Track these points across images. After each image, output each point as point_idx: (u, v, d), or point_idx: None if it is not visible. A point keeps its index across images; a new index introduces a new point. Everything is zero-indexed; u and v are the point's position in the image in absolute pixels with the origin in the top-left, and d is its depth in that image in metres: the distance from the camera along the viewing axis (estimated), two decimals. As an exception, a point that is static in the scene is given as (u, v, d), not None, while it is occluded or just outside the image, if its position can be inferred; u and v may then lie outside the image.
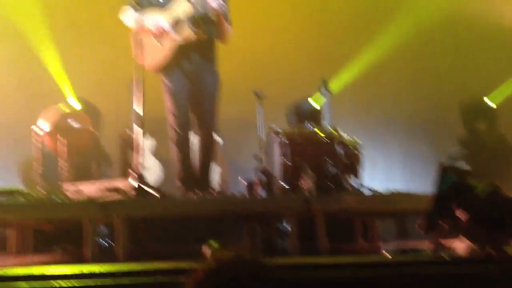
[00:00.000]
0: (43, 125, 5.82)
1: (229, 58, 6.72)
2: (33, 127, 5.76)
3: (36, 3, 6.72)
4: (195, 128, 4.77)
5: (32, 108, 6.39)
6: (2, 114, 6.72)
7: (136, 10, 4.36)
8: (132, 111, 5.35)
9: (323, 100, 5.72)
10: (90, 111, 6.36)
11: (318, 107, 6.46)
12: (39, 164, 5.73)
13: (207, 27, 4.54)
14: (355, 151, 5.16)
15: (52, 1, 6.84)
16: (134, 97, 4.38)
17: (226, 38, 4.68)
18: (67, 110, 5.97)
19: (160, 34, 4.47)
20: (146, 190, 4.06)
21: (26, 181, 6.20)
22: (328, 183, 4.64)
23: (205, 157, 4.75)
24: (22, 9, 6.73)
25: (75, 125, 5.87)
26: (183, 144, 4.66)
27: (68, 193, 4.32)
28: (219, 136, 5.94)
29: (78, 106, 6.44)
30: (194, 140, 4.78)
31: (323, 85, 5.74)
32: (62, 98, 6.55)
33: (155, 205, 4.02)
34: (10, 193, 4.30)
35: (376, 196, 4.51)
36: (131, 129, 5.99)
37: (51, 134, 5.79)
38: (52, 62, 6.72)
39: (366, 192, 4.64)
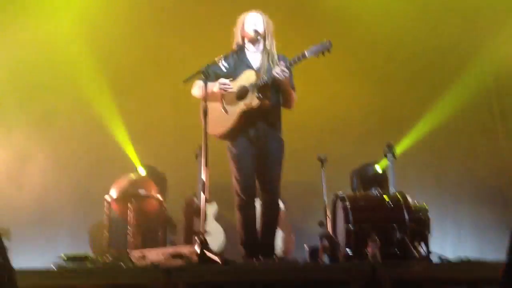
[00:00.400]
0: (112, 193, 6.01)
1: (293, 123, 6.85)
2: (106, 196, 5.96)
3: (101, 73, 7.09)
4: (259, 194, 4.78)
5: (102, 176, 6.63)
6: (74, 182, 6.99)
7: (205, 81, 4.48)
8: (197, 177, 5.48)
9: (388, 164, 5.65)
10: (157, 178, 6.51)
11: (383, 172, 6.37)
12: (108, 231, 5.88)
13: (272, 94, 4.63)
14: (423, 216, 5.02)
15: (117, 71, 7.18)
16: (199, 164, 4.45)
17: (291, 104, 4.76)
18: (135, 178, 6.13)
19: (224, 89, 4.57)
20: (209, 256, 4.06)
21: (95, 247, 6.34)
22: (395, 249, 4.51)
23: (269, 222, 4.73)
24: (88, 78, 7.10)
25: (142, 192, 6.00)
26: (247, 210, 4.67)
27: (133, 259, 4.38)
28: (283, 201, 5.93)
29: (144, 173, 6.60)
30: (258, 205, 4.77)
31: (388, 149, 5.69)
32: (132, 166, 6.76)
33: (218, 271, 3.99)
34: (80, 259, 4.41)
35: (446, 263, 4.32)
36: (196, 196, 6.14)
37: (119, 201, 5.96)
38: (119, 130, 7.01)
39: (435, 260, 4.45)
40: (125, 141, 6.97)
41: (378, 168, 6.55)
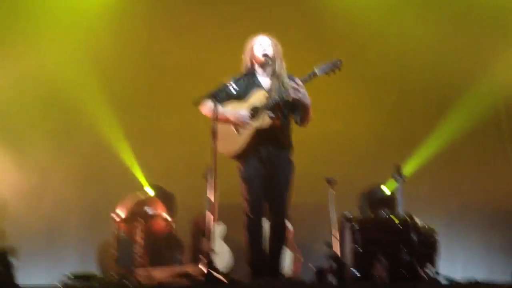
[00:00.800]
0: (120, 212, 6.02)
1: (301, 144, 6.86)
2: (112, 214, 5.98)
3: (109, 93, 7.16)
4: (267, 214, 4.77)
5: (110, 195, 6.66)
6: (83, 201, 7.02)
7: (214, 102, 4.49)
8: (205, 197, 5.48)
9: (396, 186, 5.64)
10: (164, 197, 6.52)
11: (391, 194, 6.36)
12: (115, 250, 5.88)
13: (283, 115, 4.65)
14: (431, 238, 5.00)
15: (125, 90, 7.25)
16: (207, 183, 4.45)
17: (307, 122, 4.75)
18: (143, 197, 6.14)
19: (240, 124, 4.60)
20: (215, 276, 4.05)
21: (102, 266, 6.34)
22: (402, 271, 4.48)
23: (277, 243, 4.71)
24: (96, 99, 7.16)
25: (150, 211, 6.01)
26: (255, 230, 4.65)
27: (139, 278, 4.37)
28: (290, 222, 5.92)
29: (152, 192, 6.62)
30: (266, 225, 4.76)
31: (396, 170, 5.68)
32: (139, 186, 6.79)
33: (224, 291, 3.99)
34: (86, 277, 4.41)
35: (453, 285, 4.28)
36: (203, 215, 6.14)
37: (127, 220, 5.97)
38: (127, 150, 7.05)
39: (443, 281, 4.42)
40: (134, 162, 7.00)
41: (386, 190, 6.54)
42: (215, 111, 4.42)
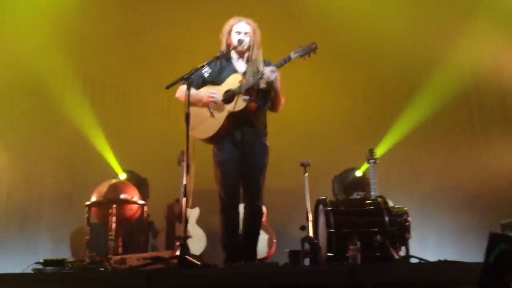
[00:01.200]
0: (93, 198, 5.98)
1: (277, 129, 6.87)
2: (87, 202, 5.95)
3: (81, 82, 7.16)
4: (242, 198, 4.77)
5: (83, 182, 6.62)
6: (56, 188, 6.98)
7: (187, 85, 4.46)
8: (179, 182, 5.47)
9: (370, 169, 5.69)
10: (138, 183, 6.49)
11: (364, 176, 6.42)
12: (87, 235, 5.85)
13: (258, 99, 4.64)
14: (403, 219, 5.06)
15: (97, 78, 7.24)
16: (182, 169, 4.42)
17: (279, 107, 4.74)
18: (116, 183, 6.10)
19: (211, 104, 4.57)
20: (189, 260, 4.05)
21: (75, 252, 6.31)
22: (375, 252, 4.53)
23: (252, 227, 4.72)
24: (67, 88, 7.18)
25: (122, 196, 5.97)
26: (230, 213, 4.65)
27: (113, 263, 4.35)
28: (265, 206, 5.94)
29: (125, 178, 6.58)
30: (241, 209, 4.77)
31: (370, 154, 5.73)
32: (113, 172, 6.74)
33: (197, 274, 3.98)
34: (58, 263, 4.37)
35: (424, 265, 4.34)
36: (177, 200, 6.13)
37: (99, 205, 5.93)
38: (101, 137, 7.02)
39: (414, 262, 4.48)
40: (107, 148, 6.94)
41: (359, 173, 6.60)
42: (187, 94, 4.39)
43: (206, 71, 4.69)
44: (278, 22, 7.11)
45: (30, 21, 7.12)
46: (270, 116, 4.82)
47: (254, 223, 4.71)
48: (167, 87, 4.49)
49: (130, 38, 7.24)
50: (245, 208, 4.71)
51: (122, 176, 6.65)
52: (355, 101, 7.26)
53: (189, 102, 4.36)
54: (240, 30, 4.70)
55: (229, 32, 4.74)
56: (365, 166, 6.42)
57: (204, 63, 4.61)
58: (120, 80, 7.24)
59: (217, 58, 4.68)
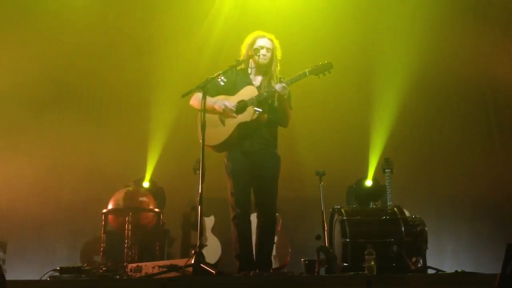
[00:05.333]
0: (110, 206, 6.01)
1: (292, 139, 6.87)
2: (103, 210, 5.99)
3: (100, 87, 7.22)
4: (255, 207, 4.77)
5: (100, 190, 6.66)
6: (73, 196, 7.01)
7: (203, 93, 4.50)
8: (195, 191, 5.48)
9: (386, 179, 5.66)
10: (154, 191, 6.51)
11: (380, 186, 6.38)
12: (104, 244, 5.88)
13: (270, 112, 4.67)
14: (420, 230, 5.01)
15: (113, 83, 7.28)
16: (197, 177, 4.44)
17: (287, 123, 4.78)
18: (132, 191, 6.13)
19: (225, 112, 4.60)
20: (204, 269, 4.05)
21: (89, 259, 6.34)
22: (391, 263, 4.50)
23: (265, 236, 4.71)
24: (87, 93, 7.23)
25: (139, 204, 6.00)
26: (242, 223, 4.66)
27: (128, 271, 4.37)
28: (280, 215, 5.93)
29: (142, 186, 6.61)
30: (254, 219, 4.77)
31: (386, 163, 5.71)
32: (130, 180, 6.77)
33: (212, 283, 3.98)
34: (75, 271, 4.40)
35: (441, 276, 4.30)
36: (193, 208, 6.14)
37: (116, 214, 5.95)
38: (119, 145, 7.04)
39: (431, 272, 4.44)
40: (124, 156, 6.98)
41: (369, 183, 6.56)
42: (203, 103, 4.41)
43: (222, 80, 4.74)
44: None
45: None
46: (287, 128, 4.83)
47: (267, 232, 4.70)
48: (183, 96, 4.54)
49: (145, 50, 7.30)
50: (258, 217, 4.71)
51: (146, 184, 6.70)
52: (370, 111, 7.22)
53: (205, 111, 4.39)
54: (263, 45, 4.74)
55: (252, 45, 4.77)
56: (371, 173, 6.42)
57: (220, 72, 4.65)
58: (135, 90, 7.28)
59: (233, 67, 4.71)
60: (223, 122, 4.64)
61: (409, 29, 7.13)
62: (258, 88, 4.71)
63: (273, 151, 4.74)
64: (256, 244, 4.66)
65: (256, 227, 4.69)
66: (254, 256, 4.63)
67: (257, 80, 4.81)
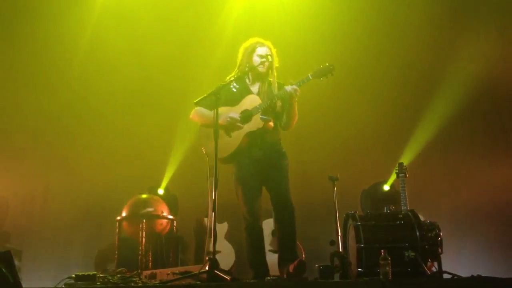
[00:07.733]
0: (124, 213, 6.03)
1: (305, 144, 6.86)
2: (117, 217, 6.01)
3: (113, 96, 7.25)
4: (273, 207, 4.75)
5: (114, 197, 6.68)
6: (87, 203, 7.05)
7: (215, 102, 4.50)
8: (208, 197, 5.49)
9: (400, 183, 5.63)
10: (168, 197, 6.52)
11: (394, 190, 6.35)
12: (118, 251, 5.89)
13: (275, 118, 4.69)
14: (435, 234, 4.97)
15: (128, 92, 7.31)
16: (210, 184, 4.45)
17: (293, 125, 4.77)
18: (146, 198, 6.14)
19: (230, 125, 4.62)
20: (219, 275, 4.05)
21: (104, 266, 6.35)
22: (406, 268, 4.46)
23: (287, 227, 4.66)
24: (101, 103, 7.27)
25: (153, 211, 6.01)
26: (254, 232, 4.67)
27: (143, 278, 4.37)
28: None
29: (157, 193, 6.63)
30: (266, 226, 4.77)
31: (400, 168, 5.68)
32: (143, 187, 6.79)
33: (226, 289, 3.98)
34: (89, 278, 4.41)
35: (457, 281, 4.26)
36: (207, 215, 6.14)
37: (130, 221, 5.97)
38: (131, 152, 7.09)
39: (446, 277, 4.39)
40: (138, 163, 7.01)
41: (387, 188, 6.53)
42: (214, 112, 4.41)
43: (234, 87, 4.76)
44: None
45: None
46: (298, 131, 4.83)
47: (289, 221, 4.68)
48: (196, 102, 4.55)
49: (168, 55, 7.33)
50: (275, 210, 4.69)
51: (160, 191, 6.72)
52: (383, 115, 7.19)
53: (217, 118, 4.39)
54: (263, 53, 4.75)
55: (251, 53, 4.78)
56: (392, 179, 6.37)
57: (232, 78, 4.66)
58: (151, 97, 7.31)
59: (245, 73, 4.72)
60: (229, 134, 4.66)
61: (418, 31, 7.11)
62: (260, 95, 4.72)
63: (280, 150, 4.76)
64: (279, 236, 4.66)
65: (274, 222, 4.68)
66: (279, 251, 4.65)
67: (255, 87, 4.83)
